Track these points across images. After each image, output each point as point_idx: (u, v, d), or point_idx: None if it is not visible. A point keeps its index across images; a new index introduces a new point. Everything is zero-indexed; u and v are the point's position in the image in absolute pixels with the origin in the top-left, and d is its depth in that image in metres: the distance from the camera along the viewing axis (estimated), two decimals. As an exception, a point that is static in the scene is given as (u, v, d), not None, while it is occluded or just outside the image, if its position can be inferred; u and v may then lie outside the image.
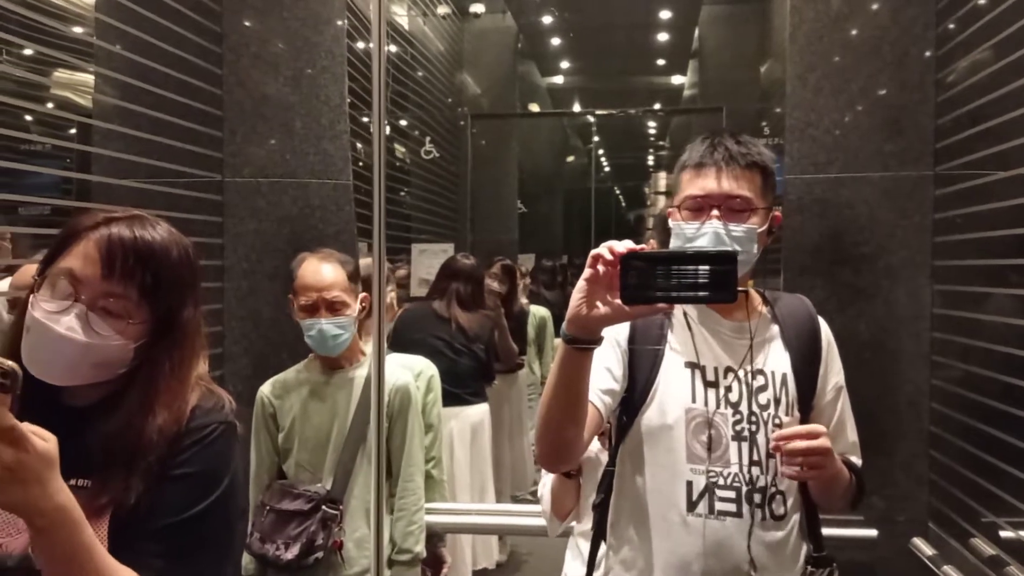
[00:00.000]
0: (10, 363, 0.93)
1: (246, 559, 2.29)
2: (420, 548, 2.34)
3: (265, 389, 2.37)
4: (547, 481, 2.05)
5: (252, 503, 2.33)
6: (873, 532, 2.39)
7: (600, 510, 1.68)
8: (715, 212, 1.54)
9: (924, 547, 2.38)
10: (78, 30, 3.61)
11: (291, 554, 2.19)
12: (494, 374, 4.37)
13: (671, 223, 1.60)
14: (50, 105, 4.72)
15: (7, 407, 0.92)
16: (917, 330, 2.50)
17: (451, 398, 3.72)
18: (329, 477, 2.27)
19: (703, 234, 1.53)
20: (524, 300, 5.70)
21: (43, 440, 0.97)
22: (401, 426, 2.35)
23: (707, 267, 1.17)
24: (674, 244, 1.57)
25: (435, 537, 2.51)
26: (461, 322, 4.06)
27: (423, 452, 2.45)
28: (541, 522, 2.16)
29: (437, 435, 2.62)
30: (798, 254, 2.55)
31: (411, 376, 2.47)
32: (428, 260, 4.81)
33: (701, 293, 1.18)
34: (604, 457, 1.80)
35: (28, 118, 5.01)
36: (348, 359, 2.34)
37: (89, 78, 3.23)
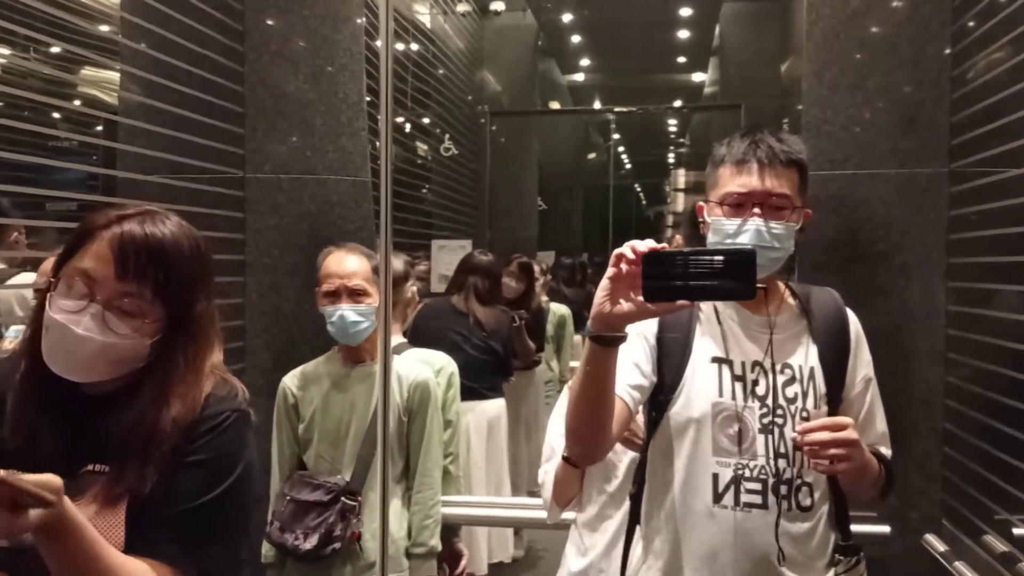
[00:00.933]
0: (52, 497, 0.96)
1: (266, 547, 2.33)
2: (435, 542, 2.37)
3: (287, 380, 2.41)
4: (549, 469, 2.08)
5: (273, 492, 2.37)
6: (886, 528, 2.39)
7: (634, 501, 1.73)
8: (756, 209, 1.56)
9: (937, 543, 2.38)
10: (104, 28, 3.67)
11: (310, 544, 2.23)
12: (512, 369, 4.39)
13: (710, 219, 1.62)
14: (77, 102, 4.79)
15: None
16: (932, 327, 2.50)
17: (468, 392, 3.75)
18: (348, 469, 2.31)
19: (745, 231, 1.55)
20: (544, 298, 5.71)
21: (51, 495, 0.99)
22: (420, 421, 2.38)
23: (726, 265, 1.19)
24: (713, 240, 1.59)
25: (451, 532, 2.54)
26: (479, 316, 4.10)
27: (442, 447, 2.48)
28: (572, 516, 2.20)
29: (455, 431, 2.64)
30: (813, 251, 2.56)
31: (431, 371, 2.50)
32: (447, 256, 4.85)
33: (721, 290, 1.22)
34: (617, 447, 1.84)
35: (55, 115, 5.10)
36: (370, 353, 2.37)
37: (114, 75, 3.29)
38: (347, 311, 2.26)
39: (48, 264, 2.86)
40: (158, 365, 1.23)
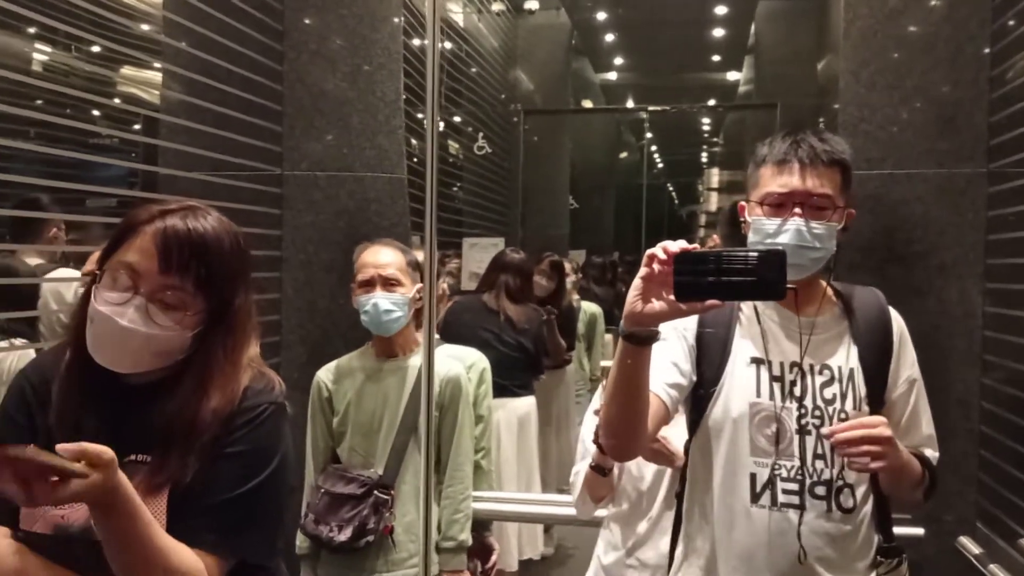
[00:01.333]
0: (82, 470, 1.00)
1: (300, 539, 2.37)
2: (465, 536, 2.39)
3: (322, 374, 2.45)
4: (580, 470, 2.10)
5: (308, 485, 2.41)
6: (920, 530, 2.38)
7: (679, 500, 1.74)
8: (797, 209, 1.56)
9: (971, 546, 2.36)
10: (145, 27, 3.74)
11: (344, 536, 2.26)
12: (542, 367, 4.40)
13: (751, 218, 1.62)
14: (116, 101, 4.88)
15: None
16: (968, 328, 2.48)
17: (498, 390, 3.74)
18: (381, 463, 2.34)
19: (785, 231, 1.55)
20: (575, 296, 5.71)
21: (103, 464, 1.03)
22: (452, 416, 2.40)
23: (758, 266, 1.21)
24: (754, 239, 1.60)
25: (482, 527, 2.55)
26: (510, 314, 4.10)
27: (473, 442, 2.50)
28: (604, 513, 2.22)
29: (487, 426, 2.66)
30: (849, 251, 2.55)
31: (462, 367, 2.52)
32: (478, 254, 4.86)
33: (751, 290, 1.23)
34: None
35: (96, 112, 5.19)
36: (403, 347, 2.40)
37: (154, 75, 3.34)
38: (380, 299, 2.29)
39: (95, 258, 2.92)
40: (198, 357, 1.26)
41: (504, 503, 2.75)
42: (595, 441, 2.02)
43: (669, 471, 2.06)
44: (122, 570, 1.13)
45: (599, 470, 2.05)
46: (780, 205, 1.57)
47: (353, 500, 2.30)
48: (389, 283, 2.31)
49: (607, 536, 2.21)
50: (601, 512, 2.21)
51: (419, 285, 2.37)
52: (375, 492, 2.30)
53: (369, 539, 2.27)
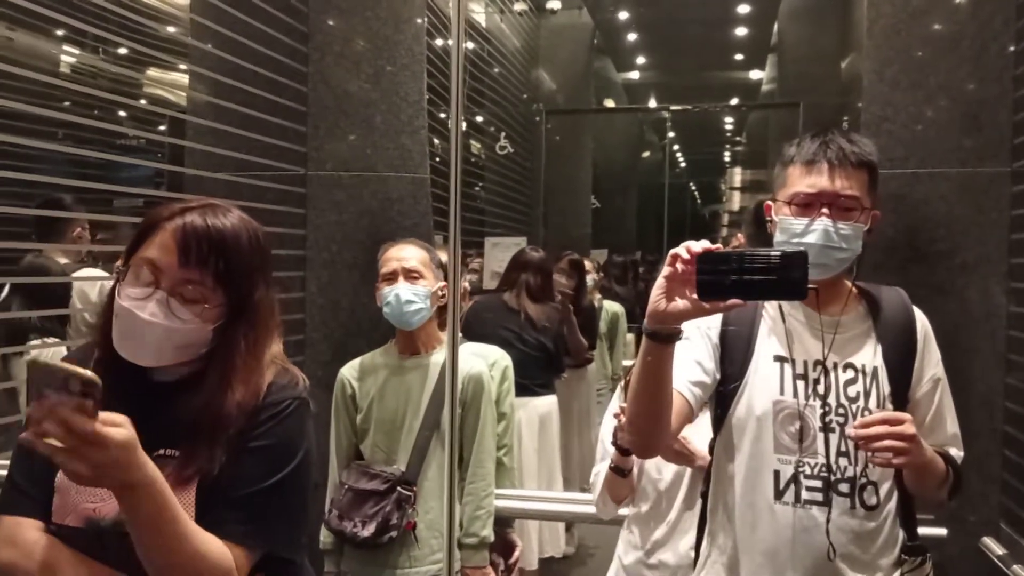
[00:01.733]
0: (89, 373, 1.02)
1: (324, 534, 2.40)
2: (487, 532, 2.41)
3: (345, 371, 2.48)
4: (600, 471, 2.12)
5: (331, 482, 2.44)
6: (943, 531, 2.37)
7: (704, 498, 1.76)
8: (825, 210, 1.57)
9: (994, 546, 2.35)
10: (172, 30, 3.79)
11: (367, 531, 2.29)
12: (563, 366, 4.40)
13: (778, 217, 1.63)
14: (143, 102, 4.94)
15: (89, 414, 1.01)
16: (992, 328, 2.46)
17: (519, 389, 3.73)
18: (404, 459, 2.36)
19: (812, 231, 1.56)
20: (596, 295, 5.72)
21: (119, 427, 1.05)
22: (474, 413, 2.42)
23: (779, 266, 1.22)
24: (780, 239, 1.61)
25: (505, 523, 2.57)
26: (530, 313, 4.11)
27: (495, 439, 2.52)
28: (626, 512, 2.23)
29: (509, 423, 2.68)
30: (871, 250, 2.53)
31: (485, 365, 2.54)
32: (500, 253, 4.88)
33: (772, 289, 1.25)
34: None
35: (122, 113, 5.26)
36: (425, 345, 2.42)
37: (180, 76, 3.39)
38: (402, 289, 2.31)
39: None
40: (220, 351, 1.29)
41: (525, 501, 2.77)
42: (614, 443, 2.04)
43: (689, 471, 2.08)
44: (151, 559, 1.16)
45: (619, 471, 2.07)
46: (808, 205, 1.59)
47: (376, 496, 2.32)
48: (411, 275, 2.34)
49: (627, 536, 2.22)
50: (623, 512, 2.22)
51: (442, 283, 2.40)
52: (398, 488, 2.32)
53: (392, 535, 2.29)
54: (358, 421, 2.42)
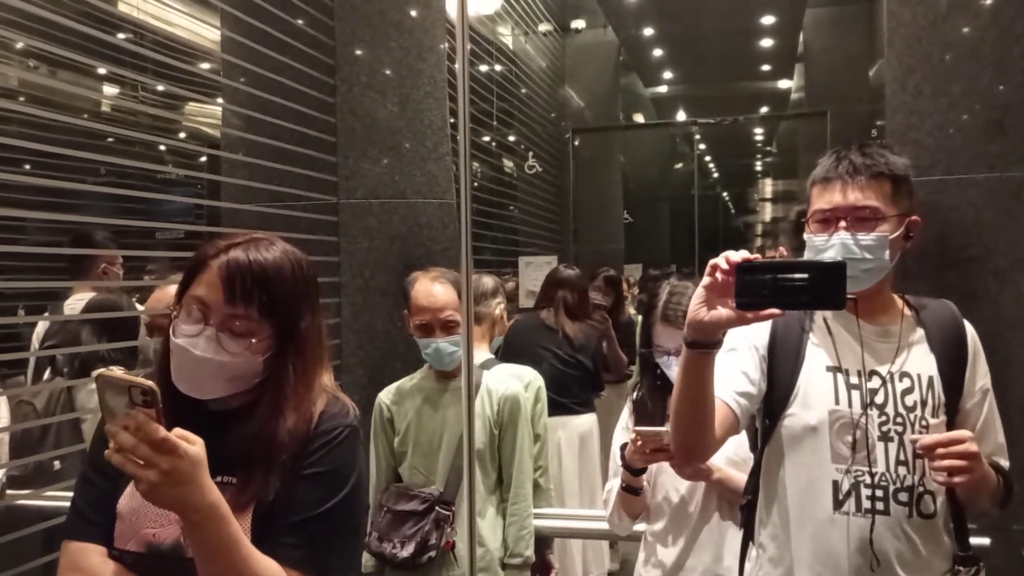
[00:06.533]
0: (148, 382, 1.08)
1: (365, 557, 2.42)
2: (531, 552, 2.43)
3: (383, 396, 2.51)
4: (613, 487, 2.13)
5: (371, 504, 2.47)
6: (986, 540, 2.34)
7: (747, 511, 1.76)
8: (842, 224, 1.59)
9: (1039, 555, 2.32)
10: (205, 66, 3.89)
11: (407, 552, 2.31)
12: (602, 384, 4.40)
13: (806, 236, 1.67)
14: (182, 135, 5.06)
15: (155, 421, 1.08)
16: (1027, 332, 2.44)
17: (559, 408, 3.77)
18: (441, 480, 2.39)
19: (831, 245, 1.59)
20: (632, 310, 5.71)
21: (192, 444, 1.12)
22: (511, 434, 2.45)
23: (817, 276, 1.24)
24: (806, 256, 1.64)
25: (543, 544, 2.58)
26: (568, 331, 4.11)
27: (532, 460, 2.54)
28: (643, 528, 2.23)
29: (544, 444, 2.68)
30: (903, 258, 2.53)
31: (520, 385, 2.56)
32: (533, 272, 4.92)
33: (810, 300, 1.28)
34: None
35: (162, 148, 5.39)
36: (461, 368, 2.45)
37: (216, 109, 3.48)
38: (442, 344, 2.34)
39: (153, 302, 3.04)
40: (271, 380, 1.33)
41: (566, 519, 2.77)
42: (624, 465, 2.04)
43: (703, 486, 2.07)
44: None
45: (630, 490, 2.08)
46: (826, 221, 1.62)
47: (415, 516, 2.35)
48: (447, 326, 2.34)
49: (647, 553, 2.21)
50: (639, 527, 2.22)
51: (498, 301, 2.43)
52: (436, 508, 2.34)
53: (431, 555, 2.31)
54: (396, 444, 2.46)
